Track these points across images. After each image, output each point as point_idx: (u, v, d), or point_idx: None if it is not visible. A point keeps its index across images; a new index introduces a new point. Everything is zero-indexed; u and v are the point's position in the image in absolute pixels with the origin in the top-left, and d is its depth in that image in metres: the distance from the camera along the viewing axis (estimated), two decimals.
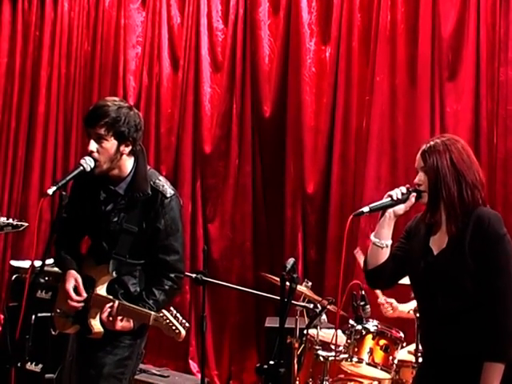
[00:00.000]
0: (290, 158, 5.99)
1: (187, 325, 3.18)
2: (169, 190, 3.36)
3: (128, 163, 3.35)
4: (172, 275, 3.36)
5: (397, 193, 2.96)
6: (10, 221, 4.49)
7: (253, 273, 6.17)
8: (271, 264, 6.08)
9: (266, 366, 2.65)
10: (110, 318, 3.28)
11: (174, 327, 3.13)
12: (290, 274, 2.64)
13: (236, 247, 6.28)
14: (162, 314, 3.15)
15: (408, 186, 2.91)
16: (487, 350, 2.64)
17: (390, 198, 2.98)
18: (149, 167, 3.45)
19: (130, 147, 3.32)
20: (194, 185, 6.35)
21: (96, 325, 3.36)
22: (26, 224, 4.42)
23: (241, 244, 6.26)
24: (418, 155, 2.88)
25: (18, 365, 3.84)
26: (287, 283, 2.66)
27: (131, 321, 3.30)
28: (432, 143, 2.86)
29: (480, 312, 2.68)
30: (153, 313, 3.20)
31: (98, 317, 3.35)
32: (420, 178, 2.86)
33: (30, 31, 7.78)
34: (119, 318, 3.28)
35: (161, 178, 3.42)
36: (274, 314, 5.84)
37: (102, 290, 3.38)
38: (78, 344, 3.55)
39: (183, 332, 3.15)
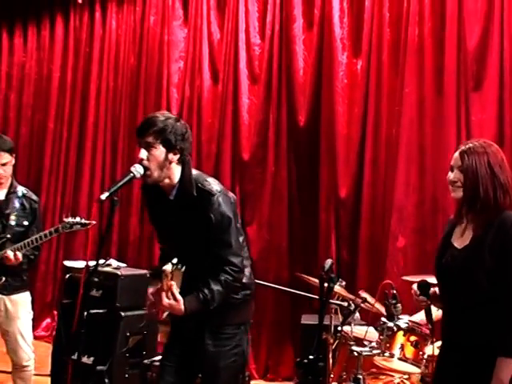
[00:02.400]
0: (324, 164, 6.00)
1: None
2: (215, 188, 3.34)
3: (176, 172, 3.37)
4: (226, 268, 3.30)
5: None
6: (78, 219, 4.55)
7: (288, 272, 6.18)
8: (306, 264, 6.09)
9: (306, 361, 2.66)
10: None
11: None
12: (328, 274, 2.66)
13: (273, 248, 6.30)
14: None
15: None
16: (499, 346, 2.66)
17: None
18: (196, 171, 3.45)
19: (177, 156, 3.33)
20: (233, 190, 6.37)
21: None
22: (94, 222, 4.47)
23: (277, 245, 6.28)
24: (457, 154, 2.87)
25: (75, 357, 3.90)
26: (325, 283, 2.67)
27: (180, 303, 3.25)
28: (471, 145, 2.87)
29: (494, 307, 2.69)
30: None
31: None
32: (456, 175, 2.86)
33: (81, 47, 7.93)
34: (164, 294, 3.24)
35: (208, 178, 3.41)
36: (309, 311, 5.84)
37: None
38: (180, 336, 3.54)
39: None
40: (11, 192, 4.72)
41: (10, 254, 4.47)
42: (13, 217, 4.65)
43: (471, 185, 2.80)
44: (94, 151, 7.69)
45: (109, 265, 5.72)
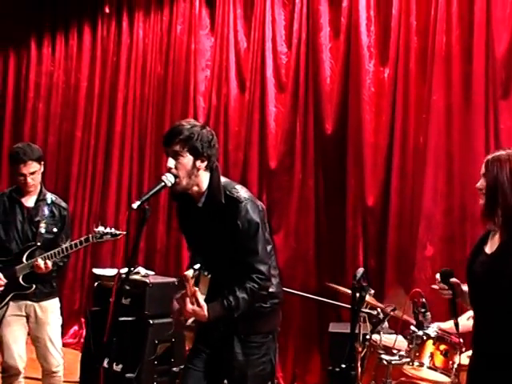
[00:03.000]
0: (351, 172, 6.00)
1: None
2: (243, 195, 3.35)
3: (205, 179, 3.40)
4: (253, 276, 3.31)
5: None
6: (108, 230, 4.61)
7: (316, 281, 6.19)
8: (333, 272, 6.09)
9: (337, 369, 2.68)
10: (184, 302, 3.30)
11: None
12: (360, 283, 2.67)
13: (300, 256, 6.31)
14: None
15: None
16: None
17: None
18: (225, 179, 3.47)
19: (205, 163, 3.36)
20: (260, 198, 6.34)
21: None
22: (124, 232, 4.52)
23: (304, 253, 6.29)
24: (484, 163, 2.92)
25: (106, 365, 3.94)
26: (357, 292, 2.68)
27: (204, 309, 3.27)
28: (497, 154, 2.91)
29: None
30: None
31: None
32: (481, 183, 2.91)
33: (108, 57, 8.03)
34: (188, 300, 3.27)
35: (237, 186, 3.43)
36: (335, 319, 5.86)
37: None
38: (206, 342, 3.56)
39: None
40: (40, 199, 4.78)
41: (40, 262, 4.54)
42: (43, 224, 4.72)
43: (490, 191, 2.85)
44: (121, 159, 7.77)
45: (137, 273, 5.77)
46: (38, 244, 4.65)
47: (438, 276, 2.97)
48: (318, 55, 6.25)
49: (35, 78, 8.84)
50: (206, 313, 3.26)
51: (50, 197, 4.83)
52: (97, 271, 6.07)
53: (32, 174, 4.65)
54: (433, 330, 4.03)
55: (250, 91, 6.68)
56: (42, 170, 4.77)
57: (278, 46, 6.59)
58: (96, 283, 5.93)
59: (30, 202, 4.76)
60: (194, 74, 7.20)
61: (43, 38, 8.77)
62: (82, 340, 7.13)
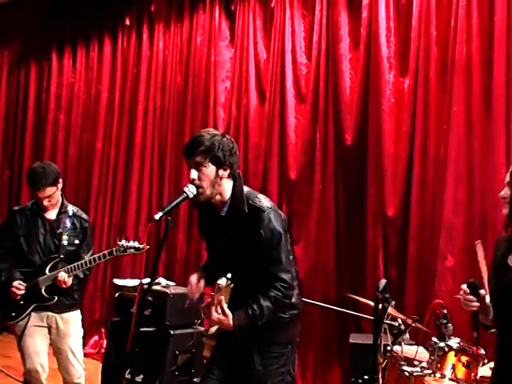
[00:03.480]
0: (371, 183, 6.00)
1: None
2: (266, 205, 3.37)
3: (228, 187, 3.42)
4: (276, 284, 3.33)
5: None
6: (132, 243, 4.66)
7: (336, 291, 6.19)
8: (353, 283, 6.09)
9: (360, 381, 2.69)
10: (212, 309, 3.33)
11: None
12: (382, 295, 2.68)
13: (320, 267, 6.31)
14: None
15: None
16: None
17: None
18: (247, 188, 3.50)
19: (227, 171, 3.39)
20: (280, 209, 6.34)
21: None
22: (148, 247, 4.56)
23: (324, 264, 6.29)
24: (509, 172, 2.91)
25: (127, 376, 3.98)
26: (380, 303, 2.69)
27: (229, 317, 3.29)
28: None
29: None
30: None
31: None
32: (506, 191, 2.87)
33: (129, 68, 8.10)
34: (213, 308, 3.30)
35: (259, 195, 3.45)
36: (356, 330, 5.86)
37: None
38: (227, 351, 3.59)
39: None
40: (62, 212, 4.84)
41: (64, 275, 4.60)
42: (65, 236, 4.78)
43: None
44: (141, 170, 7.83)
45: (158, 283, 5.81)
46: (61, 256, 4.72)
47: (465, 287, 2.95)
48: (338, 66, 6.28)
49: (56, 90, 8.94)
50: (231, 322, 3.29)
51: (71, 209, 4.89)
52: (118, 282, 6.12)
53: (48, 197, 4.70)
54: (455, 341, 4.03)
55: (270, 102, 6.72)
56: (61, 185, 4.81)
57: (298, 57, 6.62)
58: (117, 294, 5.98)
59: (51, 214, 4.82)
60: (214, 85, 7.25)
61: (64, 49, 8.87)
62: (103, 350, 7.19)
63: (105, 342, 7.43)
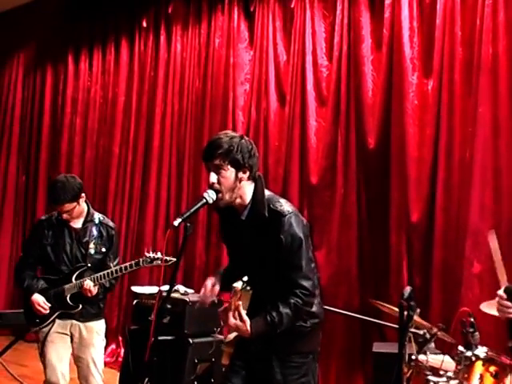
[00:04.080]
0: (395, 187, 5.98)
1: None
2: (286, 209, 3.36)
3: (248, 190, 3.42)
4: (297, 291, 3.31)
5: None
6: (160, 255, 4.70)
7: (359, 299, 6.18)
8: (377, 290, 6.06)
9: None
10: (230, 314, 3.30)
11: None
12: (408, 302, 2.66)
13: (342, 274, 6.30)
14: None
15: None
16: None
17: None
18: (269, 192, 3.49)
19: (247, 173, 3.38)
20: (301, 214, 6.36)
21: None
22: (174, 259, 4.58)
23: (346, 271, 6.28)
24: None
25: None
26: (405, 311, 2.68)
27: (247, 324, 3.26)
28: None
29: None
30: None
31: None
32: None
33: (146, 71, 8.15)
34: (230, 314, 3.27)
35: (281, 200, 3.44)
36: (379, 339, 5.84)
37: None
38: (246, 359, 3.59)
39: None
40: (88, 220, 4.88)
41: (89, 283, 4.65)
42: (91, 245, 4.84)
43: None
44: (159, 175, 7.86)
45: (176, 291, 5.82)
46: (89, 265, 4.78)
47: (502, 292, 2.91)
48: (360, 68, 6.27)
49: (72, 93, 9.02)
50: (248, 328, 3.27)
51: (97, 217, 4.94)
52: (135, 289, 6.14)
53: (67, 211, 4.74)
54: (482, 350, 4.00)
55: (290, 105, 6.73)
56: (84, 198, 4.83)
57: (319, 58, 6.62)
58: (135, 301, 6.01)
59: (77, 223, 4.87)
60: (233, 87, 7.27)
61: (80, 53, 8.95)
62: (120, 359, 7.23)
63: (122, 350, 7.46)
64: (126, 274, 5.06)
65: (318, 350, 3.62)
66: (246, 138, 3.46)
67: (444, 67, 5.71)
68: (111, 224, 5.02)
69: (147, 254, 4.74)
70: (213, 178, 3.37)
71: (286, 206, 3.40)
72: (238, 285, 3.33)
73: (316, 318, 3.51)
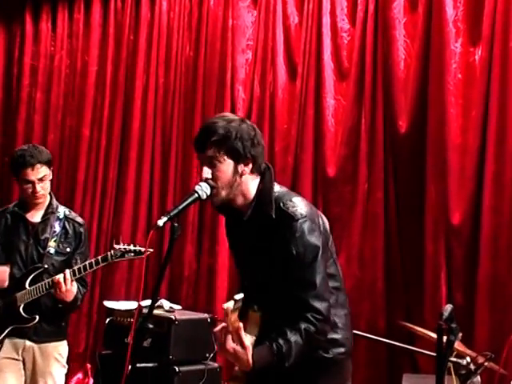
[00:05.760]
0: (431, 182, 5.99)
1: None
2: (299, 212, 3.29)
3: (252, 186, 3.40)
4: (308, 315, 3.24)
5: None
6: (132, 247, 4.68)
7: (385, 319, 6.19)
8: (407, 309, 6.09)
9: None
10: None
11: None
12: (448, 324, 2.64)
13: (365, 288, 6.31)
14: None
15: None
16: None
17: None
18: (281, 188, 3.46)
19: (250, 166, 3.36)
20: None
21: None
22: (151, 250, 4.56)
23: (371, 284, 6.29)
24: None
25: None
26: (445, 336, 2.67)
27: (248, 352, 3.16)
28: None
29: None
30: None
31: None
32: None
33: (124, 35, 8.10)
34: (229, 337, 3.18)
35: (295, 198, 3.38)
36: (410, 369, 5.84)
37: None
38: None
39: None
40: (49, 212, 4.90)
41: (67, 274, 4.60)
42: (52, 243, 4.84)
43: None
44: (139, 164, 7.82)
45: (160, 306, 5.81)
46: (46, 267, 4.76)
47: None
48: (390, 33, 6.27)
49: (31, 61, 8.94)
50: (249, 357, 3.17)
51: (62, 210, 4.95)
52: (109, 304, 6.14)
53: (41, 180, 4.78)
54: None
55: (303, 79, 6.71)
56: (51, 177, 4.89)
57: (339, 21, 6.62)
58: (107, 319, 6.00)
59: (36, 216, 4.90)
60: (232, 57, 7.24)
61: (41, 10, 8.86)
62: None
63: (91, 381, 7.45)
64: (93, 272, 4.97)
65: None
66: (248, 122, 3.44)
67: (495, 33, 5.72)
68: (79, 220, 5.04)
69: (117, 246, 4.70)
70: (206, 172, 3.33)
71: (299, 206, 3.34)
72: (229, 304, 3.25)
73: (341, 346, 3.47)
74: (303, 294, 3.27)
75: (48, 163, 4.82)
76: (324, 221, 3.50)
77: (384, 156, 6.30)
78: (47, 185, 4.85)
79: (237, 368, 3.59)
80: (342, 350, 3.47)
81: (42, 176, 4.77)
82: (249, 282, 3.56)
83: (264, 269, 3.40)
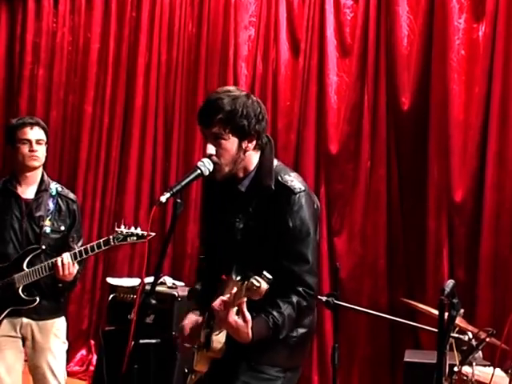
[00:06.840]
0: (434, 158, 6.00)
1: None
2: (298, 185, 3.31)
3: (253, 159, 3.39)
4: (300, 289, 3.27)
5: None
6: (133, 230, 4.67)
7: (387, 296, 6.21)
8: (409, 286, 6.11)
9: None
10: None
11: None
12: (449, 300, 2.65)
13: (367, 265, 6.34)
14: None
15: None
16: None
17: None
18: (279, 162, 3.45)
19: (254, 142, 3.35)
20: (317, 191, 6.38)
21: (216, 339, 3.35)
22: (153, 234, 4.56)
23: (373, 262, 6.31)
24: None
25: None
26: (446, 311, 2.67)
27: (249, 325, 3.17)
28: None
29: None
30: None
31: (221, 333, 3.35)
32: None
33: (126, 11, 8.05)
34: (234, 309, 3.18)
35: (292, 173, 3.40)
36: (412, 345, 5.86)
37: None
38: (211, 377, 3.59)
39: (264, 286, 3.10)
40: (42, 190, 4.83)
41: (67, 258, 4.56)
42: (47, 221, 4.77)
43: None
44: (142, 142, 7.81)
45: (162, 283, 5.82)
46: (43, 247, 4.71)
47: None
48: (393, 9, 6.26)
49: (33, 38, 8.91)
50: (249, 331, 3.18)
51: (54, 187, 4.89)
52: (112, 281, 6.16)
53: (38, 143, 4.75)
54: None
55: (306, 56, 6.70)
56: (47, 146, 4.88)
57: None
58: (110, 296, 6.02)
59: (28, 192, 4.81)
60: (235, 33, 7.22)
61: None
62: (92, 368, 7.24)
63: (95, 357, 7.47)
64: (93, 255, 4.93)
65: (300, 367, 3.58)
66: (254, 98, 3.39)
67: (499, 8, 5.71)
68: (72, 196, 4.98)
69: (118, 230, 4.68)
70: (210, 149, 3.32)
71: (297, 181, 3.36)
72: (234, 277, 3.27)
73: (305, 327, 3.46)
74: (296, 267, 3.30)
75: (45, 131, 4.82)
76: (316, 200, 3.50)
77: (386, 133, 6.31)
78: (43, 150, 4.79)
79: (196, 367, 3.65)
80: (305, 330, 3.46)
81: (39, 138, 4.74)
82: (227, 255, 3.47)
83: (254, 240, 3.36)
